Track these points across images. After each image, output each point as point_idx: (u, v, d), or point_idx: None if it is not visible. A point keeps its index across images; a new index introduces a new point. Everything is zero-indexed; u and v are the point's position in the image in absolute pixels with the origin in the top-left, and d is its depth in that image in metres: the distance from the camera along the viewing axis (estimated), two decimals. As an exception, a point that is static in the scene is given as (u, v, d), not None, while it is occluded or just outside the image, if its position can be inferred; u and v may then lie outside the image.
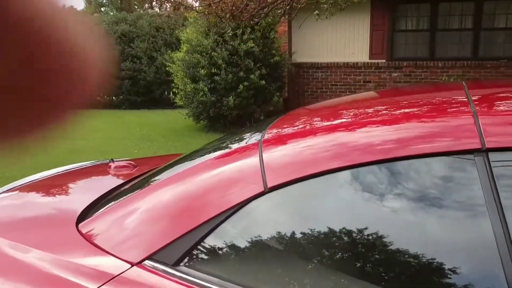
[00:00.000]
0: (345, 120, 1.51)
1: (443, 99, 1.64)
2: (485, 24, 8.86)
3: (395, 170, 1.11)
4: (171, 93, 9.59)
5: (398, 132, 1.19)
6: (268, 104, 8.61)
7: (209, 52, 8.24)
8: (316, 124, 1.58)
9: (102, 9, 24.74)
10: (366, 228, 1.08)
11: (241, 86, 8.08)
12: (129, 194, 1.33)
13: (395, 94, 2.16)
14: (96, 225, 1.24)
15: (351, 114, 1.58)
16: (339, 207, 1.16)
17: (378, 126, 1.26)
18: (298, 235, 1.11)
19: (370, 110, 1.62)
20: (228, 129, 8.44)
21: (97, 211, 1.33)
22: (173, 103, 9.67)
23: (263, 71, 8.26)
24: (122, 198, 1.32)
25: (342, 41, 9.54)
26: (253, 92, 8.30)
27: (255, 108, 8.49)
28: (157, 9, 21.23)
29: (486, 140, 1.05)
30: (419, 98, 1.77)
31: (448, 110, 1.41)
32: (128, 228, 1.19)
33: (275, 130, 1.52)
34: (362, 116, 1.49)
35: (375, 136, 1.19)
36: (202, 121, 8.93)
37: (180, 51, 8.88)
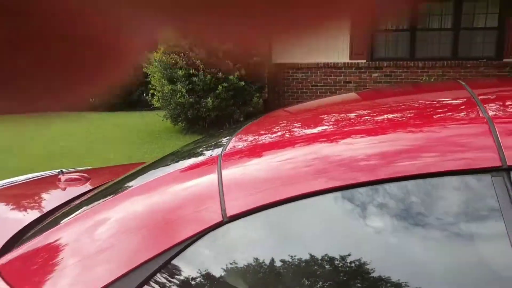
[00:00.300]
0: (331, 127, 1.25)
1: (446, 103, 1.38)
2: (465, 24, 8.83)
3: (392, 193, 0.89)
4: (149, 94, 9.37)
5: (394, 145, 0.96)
6: (248, 105, 8.45)
7: (187, 52, 8.04)
8: (295, 131, 1.34)
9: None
10: (366, 272, 0.85)
11: (220, 87, 7.92)
12: (65, 220, 1.13)
13: (386, 95, 1.87)
14: (20, 261, 1.03)
15: (338, 119, 1.34)
16: (322, 243, 0.91)
17: (370, 137, 1.02)
18: (268, 280, 0.88)
19: (359, 116, 1.36)
20: (207, 131, 8.27)
21: (26, 241, 1.12)
22: (151, 104, 9.45)
23: (243, 72, 8.09)
24: (54, 226, 1.11)
25: (322, 42, 9.41)
26: (232, 93, 8.14)
27: (234, 109, 8.32)
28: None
29: (507, 156, 0.84)
30: (416, 101, 1.50)
31: (455, 116, 1.14)
32: (57, 266, 0.98)
33: (243, 139, 1.33)
34: (349, 122, 1.26)
35: (366, 149, 0.96)
36: (180, 123, 8.74)
37: (157, 52, 8.67)
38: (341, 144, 1.02)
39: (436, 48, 9.00)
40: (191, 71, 7.99)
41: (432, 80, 8.60)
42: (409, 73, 9.07)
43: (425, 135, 0.98)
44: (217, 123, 8.36)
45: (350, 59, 9.33)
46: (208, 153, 1.27)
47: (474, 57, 8.77)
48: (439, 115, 1.17)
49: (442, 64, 8.87)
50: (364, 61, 9.24)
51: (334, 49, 9.37)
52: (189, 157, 1.40)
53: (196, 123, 8.52)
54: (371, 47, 9.22)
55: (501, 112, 1.10)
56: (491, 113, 1.00)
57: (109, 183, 1.39)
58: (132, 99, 13.08)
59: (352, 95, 1.92)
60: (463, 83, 1.36)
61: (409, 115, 1.23)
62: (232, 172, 1.03)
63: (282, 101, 9.73)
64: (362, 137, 1.02)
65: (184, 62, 8.03)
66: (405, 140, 0.97)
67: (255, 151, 1.15)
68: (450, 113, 1.19)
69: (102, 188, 1.38)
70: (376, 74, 9.23)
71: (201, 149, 1.56)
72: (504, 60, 8.59)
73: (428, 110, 1.28)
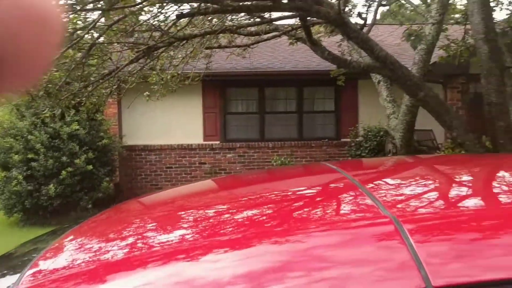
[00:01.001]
0: (190, 235, 0.97)
1: (335, 198, 1.12)
2: (307, 108, 9.61)
3: None
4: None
5: (264, 262, 0.72)
6: (97, 190, 7.81)
7: (25, 135, 7.29)
8: (144, 240, 1.02)
9: None
10: None
11: (64, 172, 7.23)
12: None
13: (248, 184, 1.58)
14: None
15: (197, 221, 1.06)
16: None
17: (235, 251, 0.77)
18: None
19: (220, 213, 1.10)
20: (49, 222, 7.37)
21: None
22: (-20, 194, 8.22)
23: (90, 155, 7.56)
24: None
25: (175, 123, 9.37)
26: (78, 178, 7.48)
27: (81, 196, 7.61)
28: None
29: (430, 273, 0.63)
30: (292, 195, 1.22)
31: (350, 217, 0.89)
32: None
33: (61, 256, 0.99)
34: (211, 225, 0.99)
35: (235, 268, 0.73)
36: (16, 214, 7.67)
37: (-11, 135, 7.72)
38: (203, 262, 0.76)
39: (284, 129, 9.57)
40: (29, 156, 7.19)
41: (282, 159, 9.01)
42: (260, 153, 9.41)
43: (313, 242, 0.75)
44: (61, 212, 7.53)
45: (204, 140, 9.39)
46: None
47: (318, 137, 9.51)
48: (325, 213, 0.93)
49: (290, 144, 9.41)
50: (218, 142, 9.38)
51: (187, 131, 9.37)
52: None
53: (36, 213, 7.57)
54: (224, 129, 9.44)
55: (397, 203, 0.87)
56: (392, 209, 0.76)
57: None
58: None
59: (210, 184, 1.69)
60: (334, 167, 1.21)
61: (286, 215, 0.97)
62: None
63: (135, 184, 9.26)
64: (226, 251, 0.79)
65: (21, 146, 7.22)
66: (282, 255, 0.73)
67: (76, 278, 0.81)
68: (347, 212, 0.93)
69: None
70: (230, 155, 9.39)
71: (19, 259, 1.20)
72: (342, 139, 9.45)
73: (310, 207, 1.03)
